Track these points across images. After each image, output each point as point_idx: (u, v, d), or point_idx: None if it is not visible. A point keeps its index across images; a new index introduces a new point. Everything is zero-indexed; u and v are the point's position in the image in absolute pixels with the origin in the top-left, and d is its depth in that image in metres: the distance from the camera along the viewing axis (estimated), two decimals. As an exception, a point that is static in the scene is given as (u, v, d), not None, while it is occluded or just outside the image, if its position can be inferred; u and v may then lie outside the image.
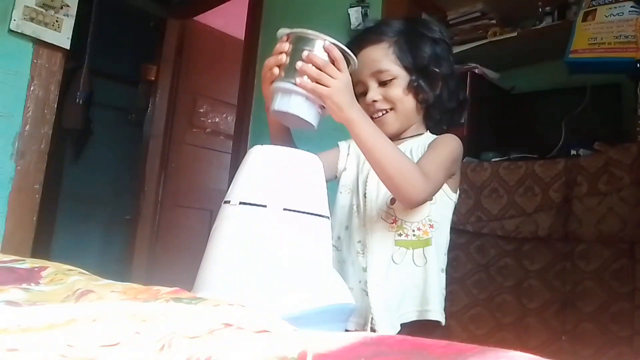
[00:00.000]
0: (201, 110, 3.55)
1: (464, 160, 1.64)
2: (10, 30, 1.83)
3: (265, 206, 0.71)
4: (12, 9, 1.83)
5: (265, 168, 0.77)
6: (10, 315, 0.61)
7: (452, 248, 1.55)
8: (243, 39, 2.74)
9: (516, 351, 0.59)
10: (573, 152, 1.50)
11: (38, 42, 1.90)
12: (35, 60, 1.90)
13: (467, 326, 1.54)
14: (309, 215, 0.73)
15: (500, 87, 1.99)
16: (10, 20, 1.82)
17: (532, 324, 1.42)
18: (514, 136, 1.84)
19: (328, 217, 0.78)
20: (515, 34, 1.84)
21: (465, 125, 1.72)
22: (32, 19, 1.87)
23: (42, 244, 2.73)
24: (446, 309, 1.03)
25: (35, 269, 0.93)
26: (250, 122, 2.53)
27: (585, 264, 1.30)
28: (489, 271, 1.53)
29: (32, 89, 1.89)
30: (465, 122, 1.73)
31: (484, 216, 1.55)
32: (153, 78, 3.40)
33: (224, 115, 3.62)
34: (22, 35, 1.86)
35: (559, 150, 1.61)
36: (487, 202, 1.56)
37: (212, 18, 3.47)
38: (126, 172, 3.70)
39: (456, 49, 1.99)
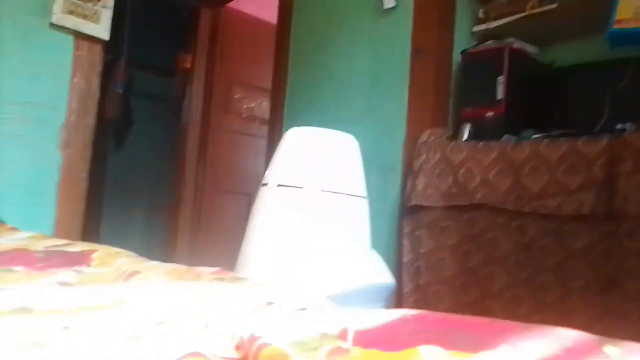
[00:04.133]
0: (236, 97, 3.59)
1: (502, 138, 1.61)
2: (51, 24, 1.89)
3: (302, 188, 0.73)
4: (53, 3, 1.88)
5: (301, 150, 0.78)
6: (64, 295, 0.65)
7: (491, 228, 1.53)
8: (275, 23, 2.74)
9: (560, 327, 0.57)
10: (619, 126, 1.45)
11: (78, 35, 1.96)
12: (76, 52, 1.96)
13: (507, 306, 1.52)
14: (346, 195, 0.74)
15: (540, 62, 1.93)
16: (51, 14, 1.88)
17: (575, 304, 1.39)
18: (554, 112, 1.79)
19: (365, 197, 0.78)
20: (555, 5, 1.77)
21: (503, 103, 1.69)
22: (71, 12, 1.92)
23: (91, 230, 2.83)
24: None
25: (86, 252, 0.98)
26: (285, 107, 2.54)
27: (630, 242, 1.26)
28: (529, 251, 1.51)
29: (74, 80, 1.95)
30: (503, 99, 1.69)
31: (524, 195, 1.52)
32: (189, 67, 3.45)
33: (259, 101, 3.65)
34: (63, 28, 1.91)
35: (603, 126, 1.55)
36: (528, 180, 1.53)
37: (244, 4, 3.49)
38: (166, 159, 3.79)
39: (493, 24, 1.94)
